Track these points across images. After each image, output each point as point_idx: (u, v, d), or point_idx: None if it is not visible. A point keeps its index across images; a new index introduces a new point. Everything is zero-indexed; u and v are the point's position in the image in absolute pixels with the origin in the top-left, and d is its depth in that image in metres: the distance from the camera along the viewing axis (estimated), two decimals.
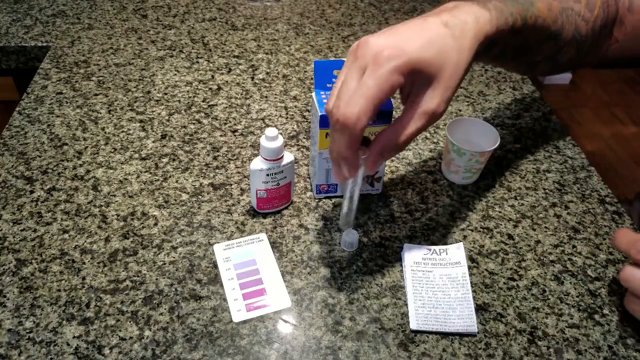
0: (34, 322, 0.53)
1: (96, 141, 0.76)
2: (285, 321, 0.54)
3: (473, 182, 0.72)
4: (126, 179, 0.70)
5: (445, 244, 0.63)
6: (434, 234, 0.64)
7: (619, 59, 0.71)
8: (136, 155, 0.74)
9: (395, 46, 0.46)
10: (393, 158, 0.75)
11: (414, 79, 0.48)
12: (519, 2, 0.56)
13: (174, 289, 0.57)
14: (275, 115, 0.82)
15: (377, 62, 0.46)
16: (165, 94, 0.86)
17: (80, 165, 0.72)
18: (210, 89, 0.88)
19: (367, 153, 0.50)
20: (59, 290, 0.56)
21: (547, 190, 0.72)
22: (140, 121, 0.80)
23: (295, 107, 0.84)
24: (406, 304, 0.56)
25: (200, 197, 0.68)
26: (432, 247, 0.62)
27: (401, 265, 0.60)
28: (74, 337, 0.52)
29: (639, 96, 2.72)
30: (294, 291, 0.57)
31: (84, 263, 0.59)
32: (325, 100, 0.61)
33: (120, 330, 0.53)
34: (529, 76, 0.95)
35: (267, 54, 0.97)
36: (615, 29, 0.67)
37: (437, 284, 0.58)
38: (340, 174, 0.51)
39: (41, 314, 0.54)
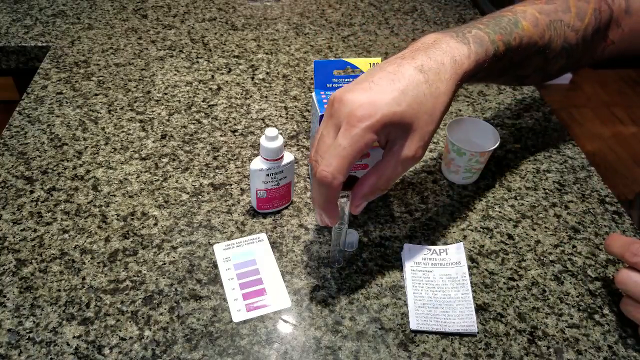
0: (34, 322, 0.53)
1: (96, 141, 0.76)
2: (285, 321, 0.54)
3: (473, 182, 0.72)
4: (126, 179, 0.70)
5: (445, 244, 0.63)
6: (434, 234, 0.64)
7: (616, 59, 0.71)
8: (136, 155, 0.74)
9: (369, 103, 0.46)
10: None
11: (390, 131, 0.48)
12: (502, 25, 0.55)
13: (174, 289, 0.57)
14: (275, 115, 0.82)
15: (350, 122, 0.46)
16: (165, 94, 0.86)
17: (80, 165, 0.72)
18: (210, 89, 0.88)
19: (350, 196, 0.51)
20: (59, 290, 0.56)
21: (547, 190, 0.72)
22: (140, 121, 0.80)
23: (295, 107, 0.84)
24: (406, 304, 0.56)
25: (200, 197, 0.68)
26: (432, 247, 0.62)
27: (401, 265, 0.60)
28: (74, 337, 0.52)
29: (639, 96, 2.72)
30: (294, 291, 0.57)
31: (84, 263, 0.59)
32: (325, 100, 0.61)
33: (120, 330, 0.53)
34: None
35: (267, 54, 0.97)
36: (611, 32, 0.66)
37: (437, 284, 0.58)
38: (323, 222, 0.52)
39: (41, 314, 0.54)
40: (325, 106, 0.52)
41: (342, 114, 0.47)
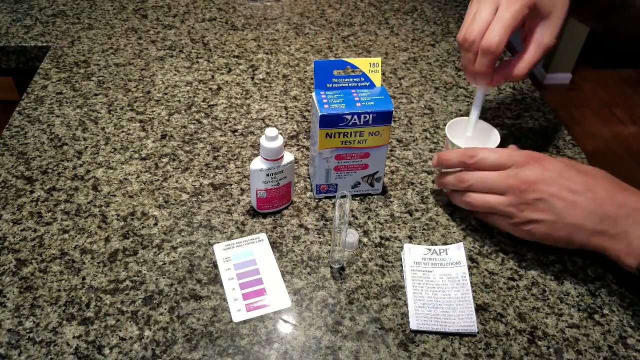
0: (34, 322, 0.53)
1: (96, 141, 0.76)
2: (285, 321, 0.54)
3: None
4: (126, 179, 0.70)
5: (445, 244, 0.63)
6: (434, 234, 0.64)
7: None
8: (136, 155, 0.74)
9: None
10: (393, 158, 0.75)
11: (533, 15, 0.61)
12: None
13: (174, 289, 0.57)
14: (275, 115, 0.82)
15: None
16: (165, 94, 0.86)
17: (80, 165, 0.72)
18: (210, 89, 0.88)
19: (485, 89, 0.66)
20: (59, 290, 0.56)
21: None
22: (140, 121, 0.80)
23: (295, 107, 0.84)
24: (406, 304, 0.56)
25: (200, 197, 0.68)
26: (432, 247, 0.62)
27: (401, 265, 0.60)
28: (74, 337, 0.52)
29: (639, 96, 2.72)
30: (294, 291, 0.57)
31: (84, 263, 0.59)
32: (325, 100, 0.61)
33: (120, 330, 0.53)
34: (531, 74, 0.95)
35: (267, 54, 0.97)
36: None
37: (437, 284, 0.58)
38: (478, 82, 0.65)
39: (41, 314, 0.54)
40: None
41: None
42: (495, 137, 0.68)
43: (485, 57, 0.60)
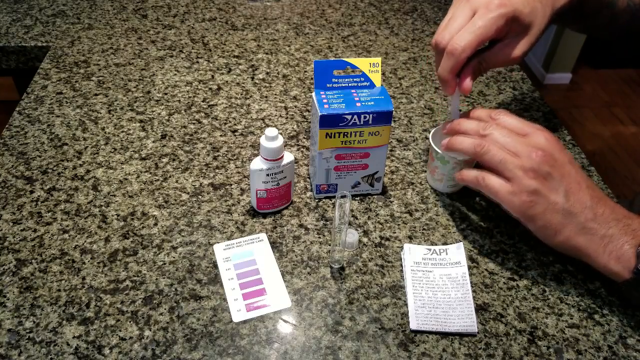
0: (34, 322, 0.53)
1: (96, 141, 0.76)
2: (285, 321, 0.54)
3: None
4: (126, 179, 0.70)
5: (445, 244, 0.63)
6: (434, 234, 0.64)
7: None
8: (136, 155, 0.74)
9: None
10: (393, 158, 0.75)
11: (511, 28, 0.59)
12: None
13: (174, 289, 0.57)
14: (275, 115, 0.82)
15: (489, 7, 0.57)
16: (165, 94, 0.86)
17: (80, 165, 0.72)
18: (210, 89, 0.88)
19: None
20: (59, 290, 0.56)
21: None
22: (140, 121, 0.80)
23: (295, 107, 0.84)
24: (406, 304, 0.56)
25: (200, 197, 0.68)
26: (432, 247, 0.62)
27: (401, 265, 0.60)
28: (74, 337, 0.52)
29: (639, 96, 2.72)
30: (294, 291, 0.57)
31: (84, 263, 0.59)
32: (325, 100, 0.61)
33: (120, 330, 0.53)
34: (531, 74, 0.96)
35: (267, 54, 0.97)
36: None
37: (437, 284, 0.58)
38: (445, 90, 0.62)
39: (41, 314, 0.54)
40: None
41: (481, 1, 0.57)
42: None
43: (447, 60, 0.58)
